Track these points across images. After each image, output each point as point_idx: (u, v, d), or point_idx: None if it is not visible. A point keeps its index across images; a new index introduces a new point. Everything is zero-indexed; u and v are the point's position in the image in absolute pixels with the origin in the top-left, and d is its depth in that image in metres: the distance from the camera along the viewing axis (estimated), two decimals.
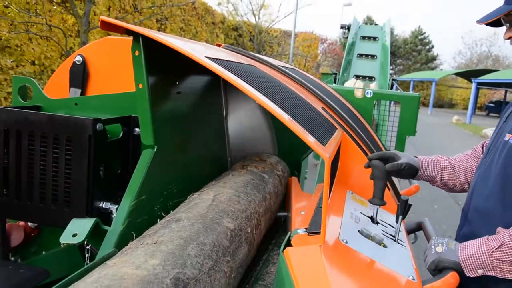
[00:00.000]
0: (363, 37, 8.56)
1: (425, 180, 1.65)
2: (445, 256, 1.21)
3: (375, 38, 8.45)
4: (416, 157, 1.63)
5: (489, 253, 1.15)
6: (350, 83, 6.51)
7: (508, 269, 1.14)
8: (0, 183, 1.60)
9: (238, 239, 1.28)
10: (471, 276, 1.19)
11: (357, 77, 6.85)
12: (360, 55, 7.93)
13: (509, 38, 1.41)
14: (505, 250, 1.12)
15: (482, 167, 1.44)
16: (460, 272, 1.19)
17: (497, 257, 1.14)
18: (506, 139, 1.32)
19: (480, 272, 1.17)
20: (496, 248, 1.14)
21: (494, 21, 1.43)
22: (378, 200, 1.42)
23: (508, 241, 1.12)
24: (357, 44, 8.35)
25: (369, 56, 7.89)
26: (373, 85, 6.48)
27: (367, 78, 6.96)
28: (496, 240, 1.16)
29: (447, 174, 1.61)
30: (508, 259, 1.12)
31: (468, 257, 1.18)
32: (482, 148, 1.64)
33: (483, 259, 1.15)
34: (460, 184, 1.62)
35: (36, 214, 1.60)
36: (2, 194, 1.61)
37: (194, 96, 1.83)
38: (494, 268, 1.15)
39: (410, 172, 1.56)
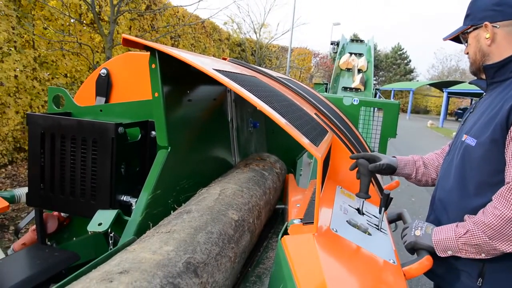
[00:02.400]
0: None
1: (402, 176, 1.67)
2: (421, 240, 1.25)
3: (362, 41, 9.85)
4: (394, 157, 1.63)
5: (457, 238, 1.18)
6: (345, 57, 8.12)
7: (472, 251, 1.17)
8: (38, 179, 1.60)
9: (241, 229, 1.27)
10: (442, 256, 1.23)
11: (350, 54, 8.44)
12: (352, 40, 9.58)
13: (467, 53, 1.40)
14: (470, 236, 1.15)
15: (445, 164, 1.44)
16: (433, 252, 1.23)
17: (463, 242, 1.17)
18: (463, 139, 1.31)
19: (449, 253, 1.21)
20: (463, 234, 1.17)
21: (458, 38, 1.43)
22: (364, 194, 1.42)
23: (472, 229, 1.15)
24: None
25: (359, 41, 9.57)
26: (363, 59, 7.98)
27: (357, 54, 8.49)
28: (463, 227, 1.18)
29: (421, 172, 1.62)
30: (472, 243, 1.15)
31: (440, 241, 1.22)
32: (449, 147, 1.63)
33: (452, 243, 1.19)
34: (432, 180, 1.62)
35: (67, 205, 1.60)
36: (40, 188, 1.61)
37: (203, 103, 1.82)
38: (460, 250, 1.19)
39: (390, 170, 1.58)
